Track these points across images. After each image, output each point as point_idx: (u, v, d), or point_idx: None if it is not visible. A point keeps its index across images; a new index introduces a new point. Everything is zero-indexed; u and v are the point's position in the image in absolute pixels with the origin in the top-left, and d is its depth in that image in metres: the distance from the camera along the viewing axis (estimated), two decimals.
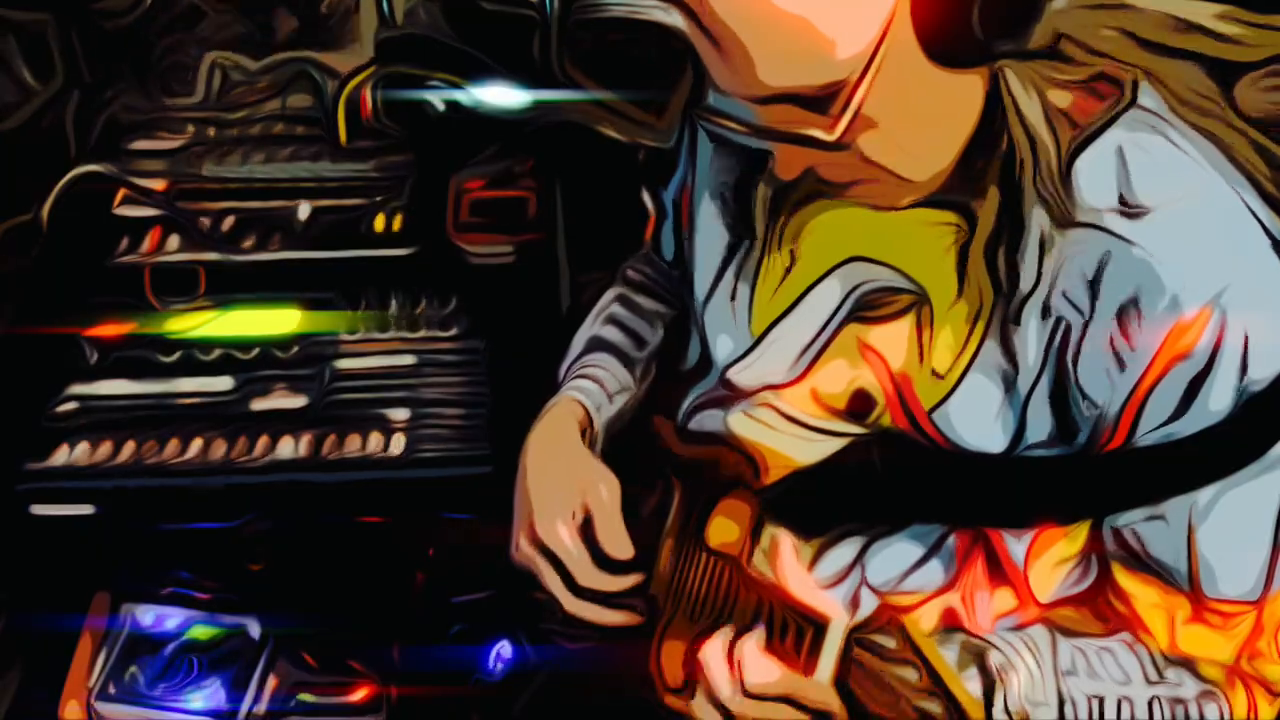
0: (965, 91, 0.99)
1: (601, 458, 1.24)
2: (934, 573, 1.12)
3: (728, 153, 1.17)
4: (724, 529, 1.15)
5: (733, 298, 1.17)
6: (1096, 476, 1.04)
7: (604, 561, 1.18)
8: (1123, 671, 1.06)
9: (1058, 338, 1.01)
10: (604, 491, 1.20)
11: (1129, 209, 0.98)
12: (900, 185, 1.03)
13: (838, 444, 1.12)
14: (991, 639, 1.08)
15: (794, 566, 1.06)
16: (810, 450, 1.13)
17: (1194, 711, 1.04)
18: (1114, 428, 1.00)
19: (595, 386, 1.29)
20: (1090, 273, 0.98)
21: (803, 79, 0.94)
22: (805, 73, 0.94)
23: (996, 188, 1.01)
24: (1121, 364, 0.98)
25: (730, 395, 1.18)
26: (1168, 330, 0.96)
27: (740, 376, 1.16)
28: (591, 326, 1.35)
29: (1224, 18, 1.03)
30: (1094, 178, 0.99)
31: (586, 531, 1.19)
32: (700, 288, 1.20)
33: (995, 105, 0.99)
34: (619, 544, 1.18)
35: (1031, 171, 0.99)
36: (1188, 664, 1.06)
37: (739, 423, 1.17)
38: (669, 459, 1.23)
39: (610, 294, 1.38)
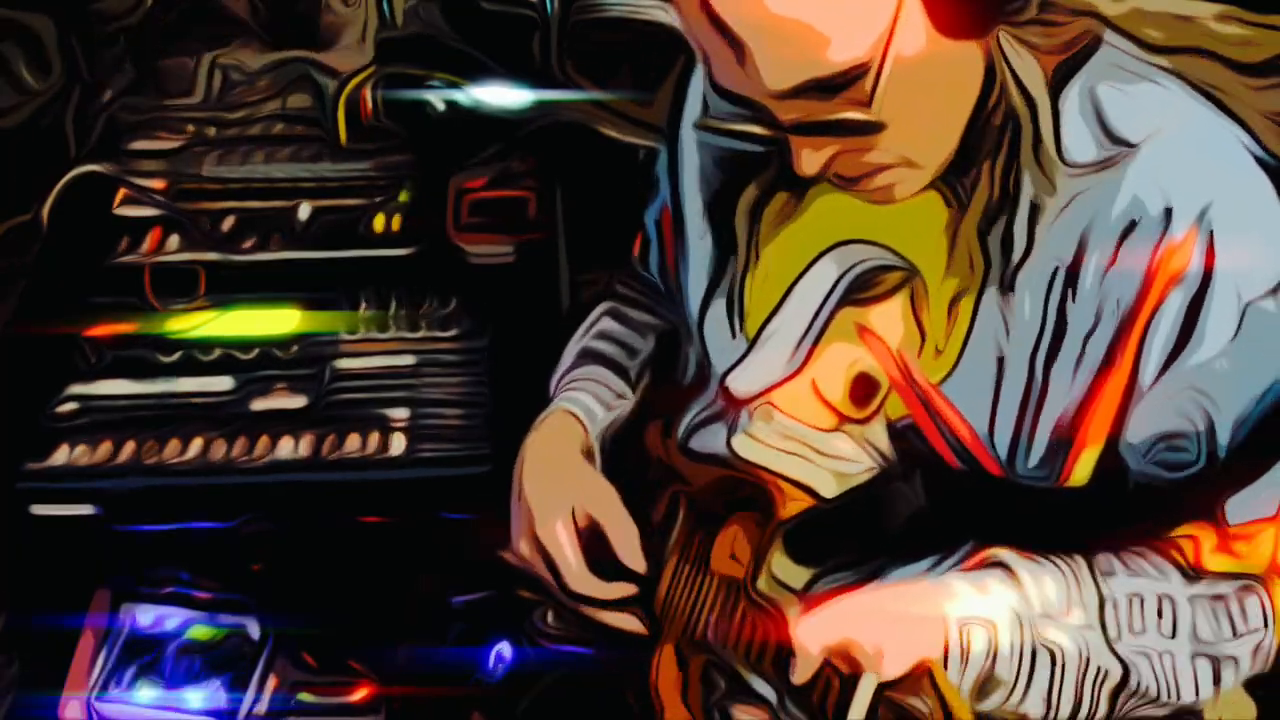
0: (966, 65, 0.99)
1: (601, 468, 1.24)
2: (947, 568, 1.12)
3: (712, 164, 1.17)
4: (729, 552, 1.14)
5: (726, 307, 1.17)
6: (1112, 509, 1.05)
7: (600, 569, 1.18)
8: (1159, 571, 1.04)
9: (1056, 291, 1.01)
10: (607, 503, 1.20)
11: (1112, 149, 0.99)
12: (909, 173, 1.02)
13: (847, 467, 1.12)
14: (1017, 556, 1.05)
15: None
16: (819, 474, 1.13)
17: (1235, 606, 1.03)
18: (1118, 360, 1.00)
19: (588, 397, 1.28)
20: (1083, 222, 0.99)
21: (819, 69, 0.93)
22: (821, 63, 0.93)
23: (989, 161, 1.01)
24: (1116, 301, 0.99)
25: (730, 407, 1.17)
26: (1157, 257, 0.97)
27: (738, 382, 1.16)
28: (581, 340, 1.35)
29: (1224, 18, 1.03)
30: (1074, 128, 1.00)
31: (586, 539, 1.19)
32: (693, 303, 1.20)
33: (993, 77, 0.99)
34: (634, 557, 1.18)
35: (1031, 137, 0.99)
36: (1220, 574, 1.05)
37: (743, 445, 1.17)
38: (676, 477, 1.22)
39: (599, 309, 1.37)
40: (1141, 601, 1.02)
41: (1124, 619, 1.02)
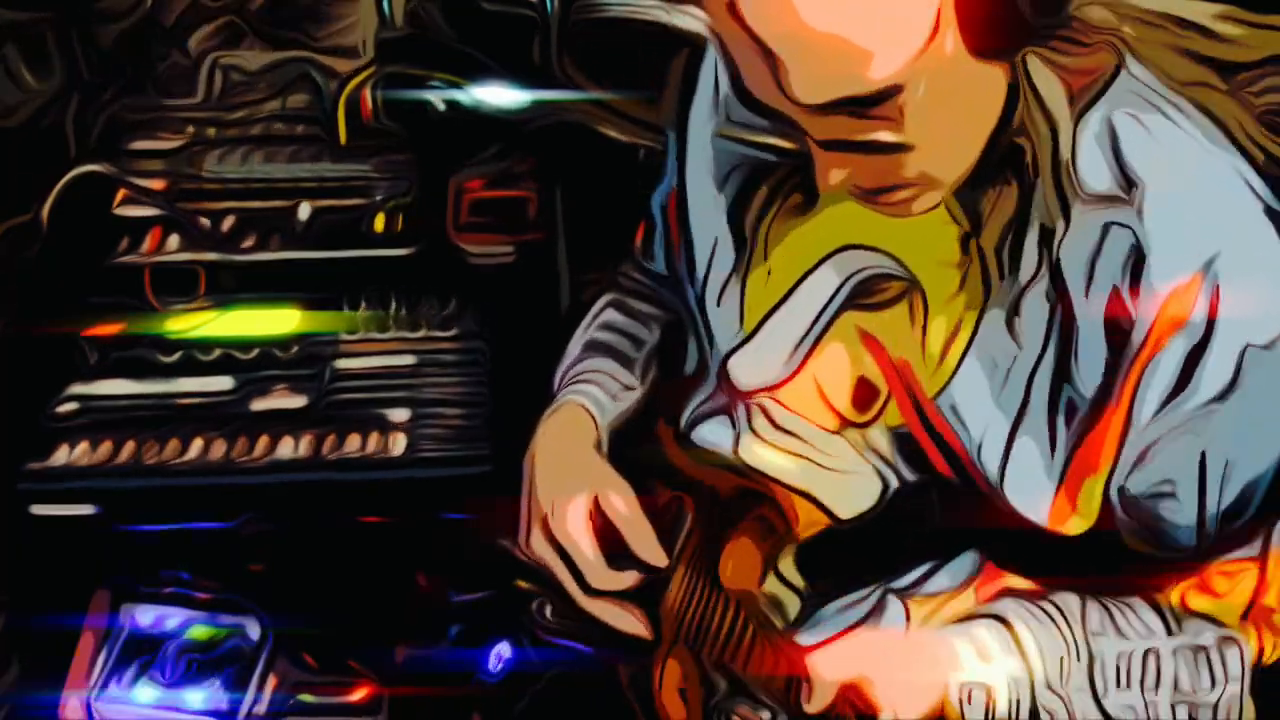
0: (990, 85, 0.99)
1: (610, 460, 1.24)
2: (958, 573, 1.12)
3: (721, 160, 1.17)
4: (738, 565, 1.14)
5: (731, 299, 1.17)
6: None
7: (613, 564, 1.18)
8: (1146, 626, 1.06)
9: (1059, 317, 1.01)
10: (620, 498, 1.19)
11: (1125, 184, 0.99)
12: (927, 189, 1.02)
13: (849, 466, 1.12)
14: (1020, 612, 1.07)
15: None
16: (825, 479, 1.12)
17: (1216, 657, 1.05)
18: (1116, 401, 1.00)
19: (596, 389, 1.28)
20: (1089, 251, 0.99)
21: (855, 86, 0.93)
22: (857, 80, 0.92)
23: (1005, 180, 1.01)
24: (1120, 337, 0.99)
25: (731, 399, 1.17)
26: (1161, 301, 0.97)
27: (739, 369, 1.15)
28: (585, 332, 1.34)
29: (1224, 18, 1.03)
30: (1089, 156, 1.00)
31: (600, 533, 1.19)
32: (696, 292, 1.20)
33: (1015, 97, 0.99)
34: (651, 551, 1.18)
35: (1050, 159, 0.99)
36: (1202, 616, 1.07)
37: (749, 452, 1.16)
38: (683, 478, 1.22)
39: (603, 300, 1.37)
40: (1129, 659, 1.06)
41: (1110, 677, 1.05)
